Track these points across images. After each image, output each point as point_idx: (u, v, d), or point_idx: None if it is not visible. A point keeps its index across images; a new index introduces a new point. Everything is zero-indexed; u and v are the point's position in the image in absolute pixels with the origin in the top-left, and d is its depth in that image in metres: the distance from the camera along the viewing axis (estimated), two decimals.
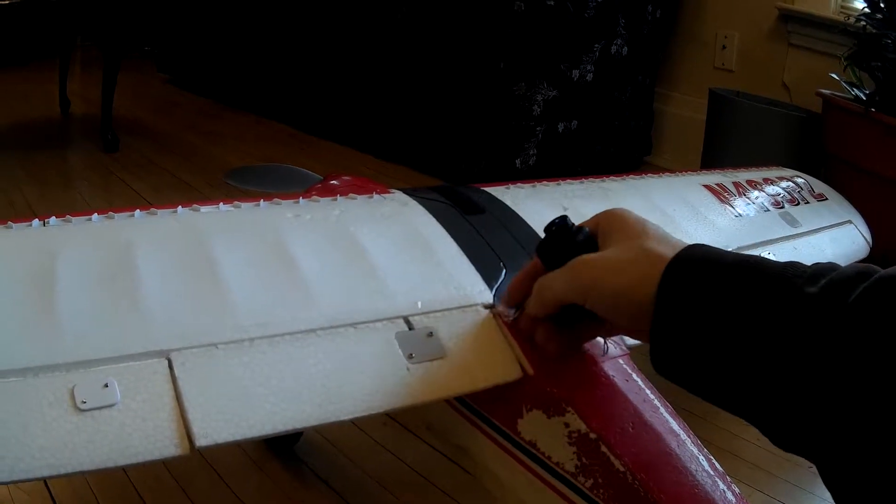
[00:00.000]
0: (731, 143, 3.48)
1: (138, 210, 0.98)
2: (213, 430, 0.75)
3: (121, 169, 3.54)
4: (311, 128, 4.27)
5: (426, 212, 1.12)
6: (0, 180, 3.33)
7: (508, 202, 1.22)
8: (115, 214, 0.96)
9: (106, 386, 0.74)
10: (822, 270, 0.72)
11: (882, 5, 2.89)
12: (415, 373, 0.88)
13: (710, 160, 3.62)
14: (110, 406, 0.73)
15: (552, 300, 0.88)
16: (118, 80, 3.85)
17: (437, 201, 1.16)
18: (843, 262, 1.76)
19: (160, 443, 0.73)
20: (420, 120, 3.66)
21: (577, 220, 0.97)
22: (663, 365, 0.81)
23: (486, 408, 0.98)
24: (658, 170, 4.07)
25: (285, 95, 4.49)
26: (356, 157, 3.91)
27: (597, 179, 1.50)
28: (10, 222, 0.92)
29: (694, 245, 0.83)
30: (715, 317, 0.74)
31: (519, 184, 1.34)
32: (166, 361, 0.79)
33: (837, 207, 2.08)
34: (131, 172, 3.49)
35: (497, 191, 1.26)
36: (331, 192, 1.47)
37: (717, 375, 0.75)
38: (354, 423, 1.58)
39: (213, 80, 5.15)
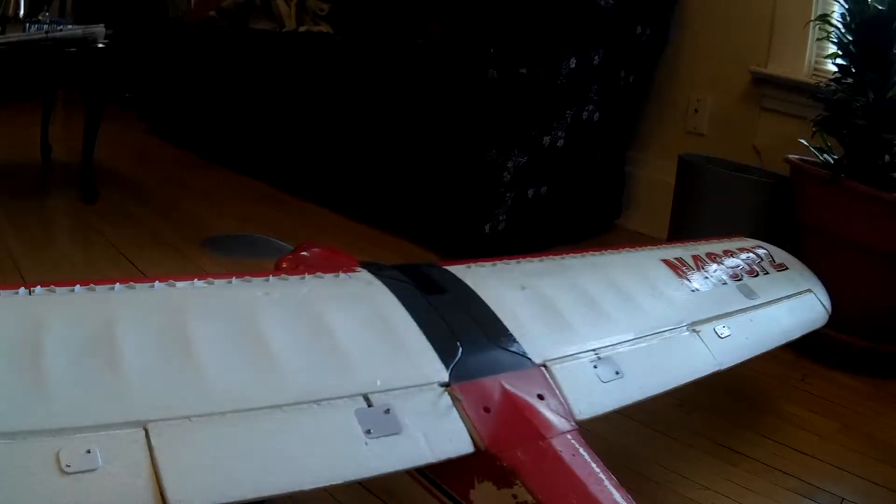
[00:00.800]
0: (700, 209, 3.53)
1: (118, 283, 1.05)
2: (186, 495, 0.82)
3: (100, 221, 3.57)
4: (289, 187, 4.32)
5: (389, 291, 1.19)
6: None
7: (469, 282, 1.30)
8: (97, 287, 1.03)
9: (89, 451, 0.82)
10: None
11: (853, 70, 2.97)
12: (372, 447, 0.95)
13: (678, 226, 3.68)
14: (93, 470, 0.81)
15: None
16: (100, 125, 3.90)
17: (400, 280, 1.23)
18: (801, 331, 1.86)
19: None
20: (394, 183, 3.71)
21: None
22: None
23: (442, 478, 1.06)
24: (629, 233, 4.14)
25: (264, 153, 4.55)
26: (332, 218, 3.95)
27: (556, 256, 1.58)
28: None
29: None
30: None
31: (480, 262, 1.42)
32: (143, 431, 0.86)
33: (797, 277, 2.15)
34: (110, 224, 3.52)
35: (458, 269, 1.34)
36: (301, 262, 1.56)
37: None
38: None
39: (192, 133, 5.22)
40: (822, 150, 3.09)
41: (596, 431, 2.07)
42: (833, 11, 3.16)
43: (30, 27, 3.68)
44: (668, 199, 3.75)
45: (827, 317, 2.14)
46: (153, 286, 1.07)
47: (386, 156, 3.75)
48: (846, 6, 2.93)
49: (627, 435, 2.19)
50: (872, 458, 2.27)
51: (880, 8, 2.84)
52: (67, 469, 0.80)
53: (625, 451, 2.11)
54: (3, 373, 0.87)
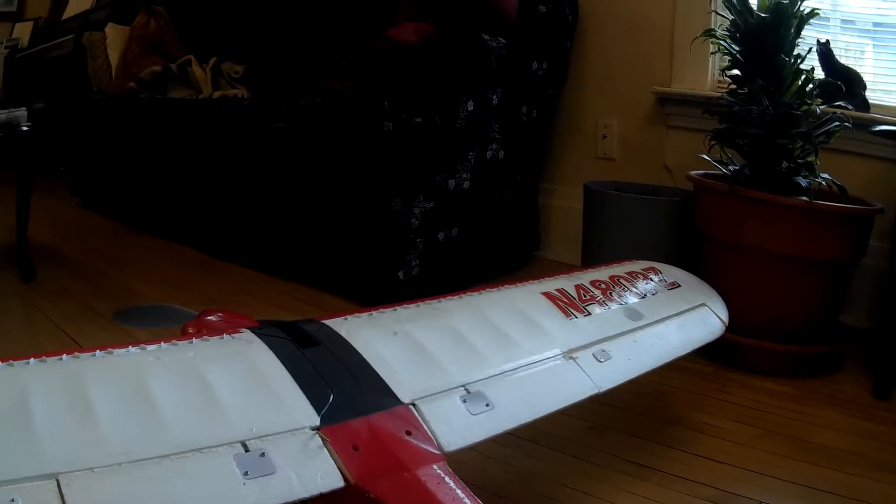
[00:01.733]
0: (607, 234, 3.64)
1: (32, 358, 1.19)
2: None
3: (38, 298, 3.67)
4: (213, 250, 4.43)
5: (267, 348, 1.34)
6: None
7: (343, 333, 1.43)
8: (15, 362, 1.18)
9: (13, 500, 0.95)
10: None
11: (744, 80, 3.09)
12: (250, 487, 1.09)
13: (589, 253, 3.80)
14: None
15: None
16: (32, 202, 3.99)
17: (278, 337, 1.37)
18: (693, 346, 1.97)
19: None
20: (309, 239, 3.81)
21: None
22: None
23: None
24: (548, 263, 4.22)
25: (188, 220, 4.67)
26: (255, 277, 4.06)
27: (432, 301, 1.71)
28: None
29: None
30: None
31: (357, 314, 1.56)
32: (55, 482, 1.00)
33: (690, 293, 2.26)
34: (48, 300, 3.62)
35: (335, 322, 1.48)
36: (204, 326, 1.71)
37: None
38: None
39: (122, 204, 5.31)
40: (723, 163, 3.19)
41: (502, 458, 2.19)
42: (721, 24, 3.25)
43: None
44: (581, 227, 3.86)
45: (723, 329, 2.22)
46: (62, 359, 1.21)
47: (299, 213, 3.86)
48: (731, 17, 3.05)
49: (537, 460, 2.28)
50: (794, 460, 2.35)
51: (763, 16, 2.95)
52: None
53: (534, 476, 2.20)
54: None
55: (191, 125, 4.53)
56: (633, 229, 3.53)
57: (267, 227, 4.07)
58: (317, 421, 1.22)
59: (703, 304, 2.23)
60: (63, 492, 0.99)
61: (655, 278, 2.24)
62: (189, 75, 5.25)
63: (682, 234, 3.45)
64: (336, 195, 3.65)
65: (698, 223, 3.26)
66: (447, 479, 1.21)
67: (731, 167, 3.17)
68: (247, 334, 1.39)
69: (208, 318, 1.80)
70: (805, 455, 2.39)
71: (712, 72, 3.94)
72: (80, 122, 5.72)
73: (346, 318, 1.51)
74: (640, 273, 2.23)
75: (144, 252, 4.60)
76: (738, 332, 2.83)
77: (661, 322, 2.02)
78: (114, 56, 5.87)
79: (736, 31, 3.05)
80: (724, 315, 2.26)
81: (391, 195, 3.41)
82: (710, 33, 3.20)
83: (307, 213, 3.81)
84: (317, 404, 1.24)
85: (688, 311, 2.17)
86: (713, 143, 3.17)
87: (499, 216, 4.03)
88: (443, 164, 3.52)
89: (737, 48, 3.07)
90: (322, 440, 1.19)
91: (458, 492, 1.19)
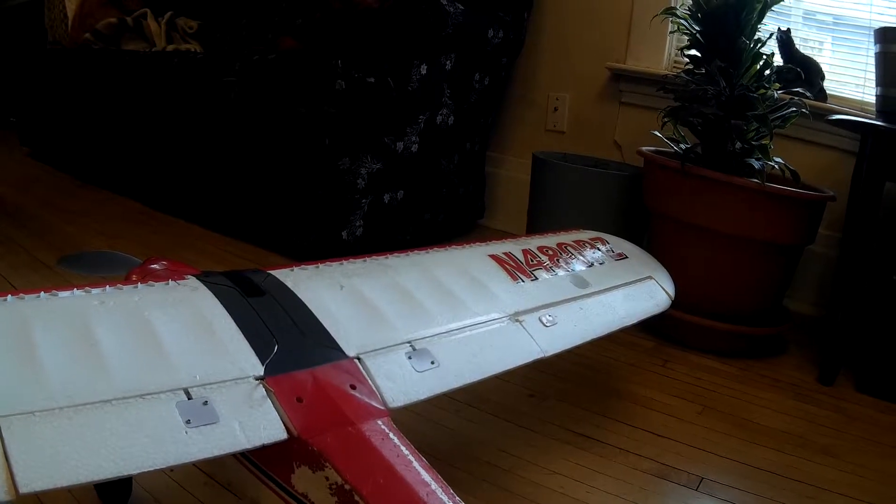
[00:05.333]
0: (553, 205, 3.64)
1: None
2: (32, 480, 0.94)
3: None
4: (160, 205, 4.39)
5: (212, 295, 1.32)
6: None
7: (289, 284, 1.42)
8: None
9: None
10: None
11: (703, 60, 3.09)
12: (192, 435, 1.07)
13: (534, 223, 3.81)
14: None
15: None
16: None
17: (223, 285, 1.36)
18: (639, 317, 1.97)
19: None
20: (255, 196, 3.79)
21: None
22: None
23: (267, 465, 1.19)
24: (492, 232, 4.23)
25: (136, 173, 4.63)
26: (199, 232, 4.02)
27: (380, 257, 1.69)
28: None
29: None
30: None
31: (304, 265, 1.54)
32: None
33: (637, 265, 2.26)
34: None
35: (281, 273, 1.46)
36: (148, 274, 1.68)
37: None
38: (176, 481, 1.75)
39: (72, 156, 5.27)
40: (675, 141, 3.20)
41: (441, 422, 2.18)
42: (682, 4, 3.25)
43: None
44: (526, 196, 3.88)
45: (669, 301, 2.22)
46: (6, 300, 1.18)
47: (247, 169, 3.84)
48: None
49: (476, 425, 2.28)
50: (735, 438, 2.37)
51: None
52: None
53: (472, 441, 2.20)
54: None
55: (143, 78, 4.49)
56: (580, 201, 3.54)
57: (214, 183, 4.04)
58: (261, 371, 1.20)
59: (650, 277, 2.23)
60: (3, 435, 0.96)
61: (603, 248, 2.24)
62: (144, 28, 5.21)
63: (628, 210, 3.47)
64: (284, 153, 3.63)
65: (646, 199, 3.27)
66: (391, 434, 1.19)
67: (682, 145, 3.17)
68: (192, 281, 1.37)
69: (152, 266, 1.78)
70: (746, 434, 2.41)
71: (669, 51, 3.95)
72: (34, 72, 5.67)
73: (292, 270, 1.50)
74: (588, 242, 2.23)
75: (91, 204, 4.57)
76: (682, 310, 2.85)
77: (607, 291, 2.02)
78: (70, 7, 5.81)
79: (698, 12, 3.04)
80: (671, 289, 2.26)
81: (339, 154, 3.39)
82: (670, 11, 3.20)
83: (254, 171, 3.79)
84: (261, 354, 1.22)
85: (634, 282, 2.17)
86: (666, 120, 3.17)
87: (445, 182, 4.03)
88: (392, 126, 3.51)
89: (697, 28, 3.06)
90: (266, 391, 1.17)
91: (402, 448, 1.18)
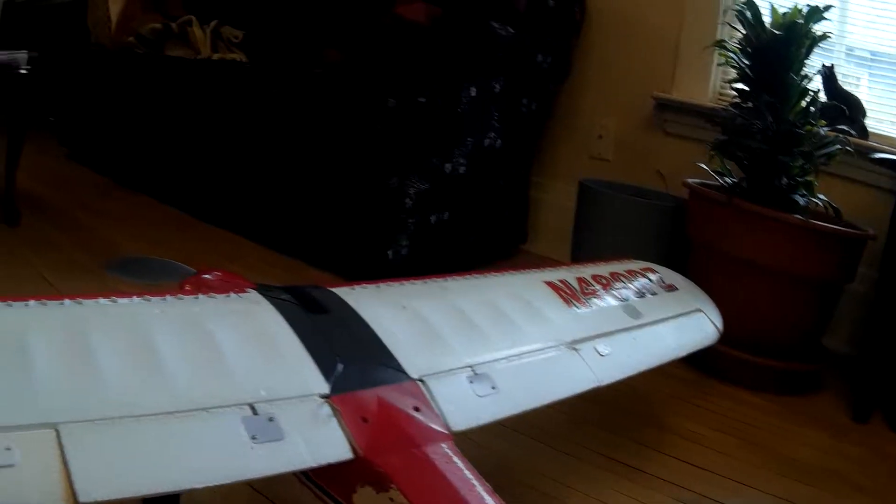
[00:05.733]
0: (599, 233, 3.62)
1: (32, 300, 1.14)
2: (92, 489, 0.91)
3: (21, 244, 3.61)
4: (200, 213, 4.33)
5: (275, 310, 1.29)
6: None
7: (351, 302, 1.39)
8: (13, 303, 1.13)
9: (9, 448, 0.90)
10: None
11: (751, 94, 3.05)
12: (257, 451, 1.05)
13: (579, 250, 3.77)
14: (11, 466, 0.89)
15: None
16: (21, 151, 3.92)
17: (286, 301, 1.33)
18: (689, 349, 1.95)
19: (51, 498, 0.90)
20: (299, 209, 3.75)
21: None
22: None
23: (328, 484, 1.16)
24: (534, 257, 4.20)
25: (177, 180, 4.57)
26: (240, 243, 3.97)
27: (438, 279, 1.67)
28: None
29: None
30: None
31: (364, 284, 1.51)
32: (55, 432, 0.95)
33: (687, 297, 2.23)
34: (31, 248, 3.55)
35: (343, 291, 1.43)
36: (202, 284, 1.66)
37: None
38: (222, 495, 1.73)
39: (111, 159, 5.23)
40: (721, 174, 3.16)
41: (486, 445, 2.16)
42: (732, 37, 3.23)
43: None
44: (571, 224, 3.84)
45: (718, 335, 2.20)
46: (63, 303, 1.16)
47: (291, 182, 3.80)
48: (744, 31, 3.03)
49: (520, 450, 2.26)
50: (773, 472, 2.35)
51: (777, 33, 2.93)
52: None
53: (519, 466, 2.18)
54: None
55: (188, 85, 4.47)
56: (624, 230, 3.51)
57: (257, 194, 4.00)
58: (326, 389, 1.18)
59: (699, 310, 2.21)
60: (62, 442, 0.94)
61: (654, 279, 2.21)
62: (189, 35, 5.20)
63: (670, 240, 3.42)
64: (331, 168, 3.59)
65: (689, 230, 3.23)
66: (455, 458, 1.17)
67: (727, 179, 3.14)
68: (253, 294, 1.35)
69: (205, 276, 1.76)
70: (783, 469, 2.39)
71: (713, 83, 3.91)
72: (75, 73, 5.66)
73: (353, 288, 1.47)
74: (639, 272, 2.21)
75: (130, 208, 4.55)
76: (722, 342, 2.81)
77: (659, 323, 2.00)
78: (114, 9, 5.80)
79: (747, 46, 3.02)
80: (720, 323, 2.24)
81: (388, 173, 3.36)
82: (721, 44, 3.18)
83: (299, 184, 3.75)
84: (326, 372, 1.20)
85: (684, 314, 2.15)
86: (713, 153, 3.14)
87: (490, 205, 3.99)
88: (441, 146, 3.48)
89: (746, 62, 3.04)
90: (331, 409, 1.15)
91: (466, 472, 1.16)
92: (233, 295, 1.33)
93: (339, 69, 3.71)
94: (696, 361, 3.03)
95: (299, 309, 1.31)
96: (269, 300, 1.33)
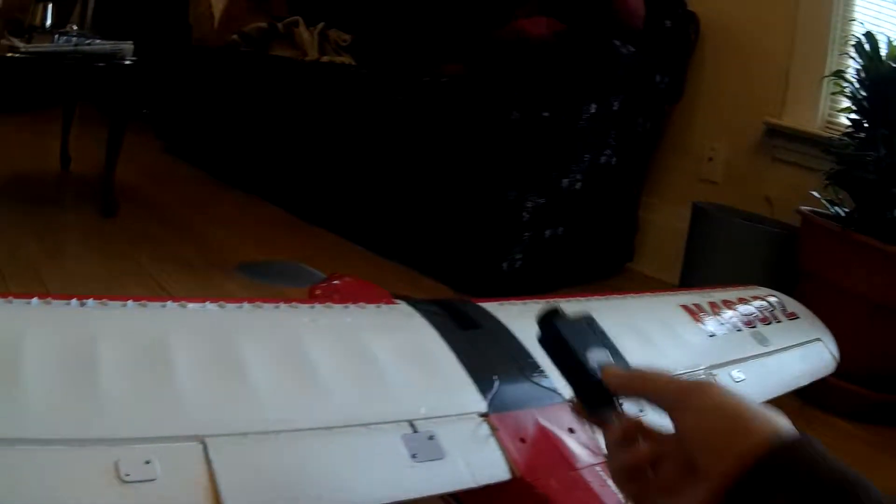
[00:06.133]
0: (712, 256, 3.57)
1: (170, 301, 1.09)
2: None
3: (119, 235, 3.61)
4: (304, 214, 4.34)
5: (428, 324, 1.24)
6: (3, 230, 3.44)
7: (501, 318, 1.34)
8: (149, 303, 1.07)
9: (148, 462, 0.85)
10: None
11: (865, 125, 3.01)
12: (418, 471, 1.00)
13: (690, 272, 3.72)
14: (152, 480, 0.84)
15: (641, 387, 0.91)
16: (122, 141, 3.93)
17: (437, 314, 1.28)
18: (810, 378, 1.89)
19: None
20: (411, 217, 3.74)
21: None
22: None
23: (475, 503, 1.11)
24: (641, 277, 4.15)
25: (281, 179, 4.58)
26: (346, 246, 3.94)
27: (581, 298, 1.63)
28: (49, 298, 1.01)
29: (801, 439, 0.78)
30: None
31: (511, 300, 1.47)
32: (202, 445, 0.89)
33: (808, 326, 2.17)
34: (129, 240, 3.56)
35: (491, 306, 1.39)
36: (334, 291, 1.62)
37: None
38: None
39: (209, 154, 5.25)
40: (832, 203, 3.11)
41: None
42: (848, 67, 3.18)
43: (58, 39, 3.72)
44: (678, 245, 3.80)
45: (835, 366, 2.14)
46: (204, 306, 1.11)
47: (404, 189, 3.78)
48: (861, 63, 2.98)
49: None
50: None
51: (894, 66, 2.88)
52: (126, 478, 0.82)
53: None
54: (60, 382, 0.90)
55: (297, 86, 4.46)
56: (736, 255, 3.46)
57: (368, 199, 3.99)
58: (484, 408, 1.13)
59: (819, 339, 2.15)
60: (210, 457, 0.88)
61: (777, 305, 2.16)
62: (295, 36, 5.20)
63: (778, 268, 3.35)
64: (447, 178, 3.58)
65: (800, 258, 3.16)
66: (609, 482, 1.12)
67: (836, 208, 3.10)
68: (404, 307, 1.31)
69: (336, 282, 1.73)
70: None
71: (823, 111, 3.84)
72: (176, 67, 5.68)
73: (501, 304, 1.43)
74: (763, 298, 2.16)
75: (230, 205, 4.55)
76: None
77: (784, 350, 1.94)
78: (217, 6, 5.82)
79: (865, 77, 2.96)
80: (836, 353, 2.17)
81: (507, 186, 3.34)
82: (839, 74, 3.13)
83: (412, 192, 3.73)
84: (483, 390, 1.15)
85: (806, 343, 2.08)
86: (828, 182, 3.09)
87: (602, 222, 3.97)
88: (560, 162, 3.46)
89: (863, 93, 2.98)
90: (490, 428, 1.10)
91: (621, 496, 1.11)
92: (383, 306, 1.29)
93: (462, 80, 3.68)
94: (802, 392, 2.97)
95: (452, 323, 1.27)
96: (420, 313, 1.28)
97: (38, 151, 4.98)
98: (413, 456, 1.01)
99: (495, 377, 1.18)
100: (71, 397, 0.89)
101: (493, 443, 1.09)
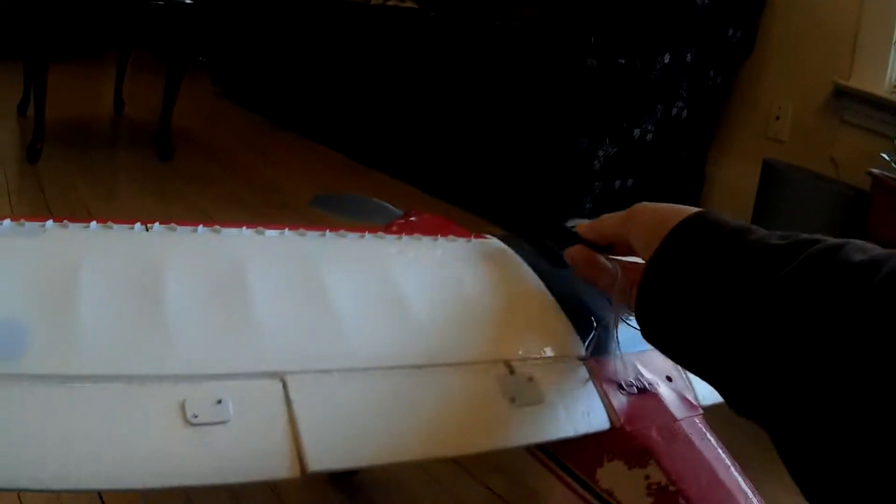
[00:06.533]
0: (780, 214, 3.48)
1: (245, 227, 0.99)
2: (325, 456, 0.77)
3: (176, 177, 3.59)
4: (364, 158, 4.30)
5: (522, 261, 1.15)
6: (55, 173, 3.38)
7: None
8: (222, 229, 0.97)
9: (219, 402, 0.76)
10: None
11: None
12: (516, 416, 0.90)
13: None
14: (223, 423, 0.75)
15: (602, 228, 1.01)
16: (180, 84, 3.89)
17: (530, 251, 1.20)
18: None
19: (271, 464, 0.75)
20: (479, 163, 3.68)
21: None
22: (644, 322, 0.88)
23: (565, 454, 1.02)
24: None
25: (341, 124, 4.52)
26: (409, 191, 3.91)
27: None
28: (110, 222, 0.92)
29: (708, 211, 0.88)
30: (690, 281, 0.80)
31: None
32: (281, 383, 0.80)
33: None
34: (186, 182, 3.53)
35: None
36: (414, 227, 1.52)
37: (682, 334, 0.82)
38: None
39: (267, 99, 5.21)
40: None
41: (734, 421, 2.06)
42: None
43: None
44: (744, 202, 3.72)
45: None
46: (283, 233, 1.01)
47: (472, 135, 3.71)
48: None
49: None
50: None
51: None
52: (194, 420, 0.74)
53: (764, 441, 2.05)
54: (122, 313, 0.81)
55: (360, 30, 4.42)
56: (806, 215, 3.37)
57: (433, 145, 3.94)
58: (582, 351, 1.03)
59: None
60: (290, 396, 0.79)
61: None
62: None
63: (848, 229, 3.25)
64: (519, 124, 3.52)
65: (870, 220, 3.10)
66: (708, 434, 1.04)
67: None
68: (494, 241, 1.21)
69: (413, 218, 1.65)
70: None
71: (891, 75, 3.75)
72: (234, 11, 5.62)
73: None
74: None
75: (287, 149, 4.52)
76: None
77: None
78: None
79: None
80: None
81: (580, 134, 3.28)
82: None
83: (480, 137, 3.68)
84: (582, 332, 1.05)
85: None
86: None
87: (671, 175, 3.90)
88: (632, 111, 3.40)
89: None
90: (589, 373, 1.01)
91: (720, 450, 1.02)
92: (473, 240, 1.20)
93: (536, 24, 3.61)
94: None
95: (545, 261, 1.18)
96: (512, 248, 1.19)
97: (92, 98, 4.96)
98: (511, 400, 0.92)
99: (592, 319, 1.09)
100: (133, 330, 0.80)
101: (591, 389, 1.00)
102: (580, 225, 1.05)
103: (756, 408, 0.75)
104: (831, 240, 0.75)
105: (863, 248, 0.73)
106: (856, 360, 0.62)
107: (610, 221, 1.00)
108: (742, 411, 0.78)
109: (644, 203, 0.96)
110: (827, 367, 0.64)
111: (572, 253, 1.04)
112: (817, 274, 0.70)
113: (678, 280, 0.82)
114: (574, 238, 1.04)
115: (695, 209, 0.88)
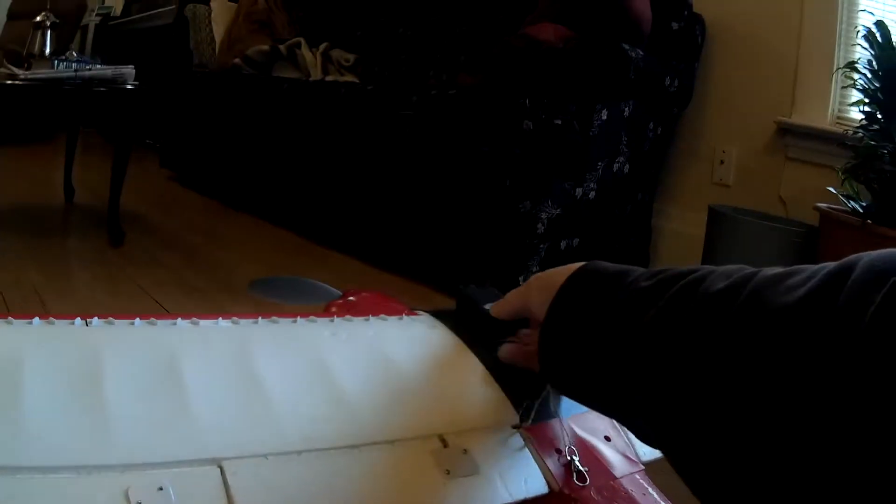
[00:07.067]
0: (730, 260, 3.47)
1: (180, 318, 1.01)
2: None
3: (126, 264, 3.60)
4: (313, 235, 4.33)
5: (453, 335, 1.18)
6: (6, 261, 3.40)
7: None
8: (158, 321, 1.00)
9: (161, 489, 0.78)
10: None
11: (879, 117, 2.97)
12: (452, 488, 0.93)
13: None
14: None
15: (508, 305, 1.12)
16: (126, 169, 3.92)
17: (462, 325, 1.22)
18: None
19: None
20: (424, 233, 3.71)
21: None
22: (546, 371, 0.99)
23: None
24: None
25: (288, 202, 4.57)
26: (357, 266, 3.94)
27: None
28: (52, 318, 0.94)
29: (592, 262, 0.95)
30: (578, 331, 0.88)
31: None
32: (219, 469, 0.83)
33: None
34: (136, 267, 3.55)
35: None
36: (352, 307, 1.55)
37: (577, 379, 0.93)
38: None
39: (216, 180, 5.27)
40: (849, 198, 3.10)
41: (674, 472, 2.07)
42: (859, 59, 3.16)
43: (58, 65, 3.71)
44: (693, 250, 3.78)
45: None
46: (217, 322, 1.04)
47: (417, 206, 3.76)
48: (873, 53, 2.95)
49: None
50: None
51: None
52: None
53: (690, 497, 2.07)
54: (65, 406, 0.83)
55: (302, 107, 4.47)
56: (756, 257, 3.36)
57: (377, 218, 3.99)
58: (516, 419, 1.06)
59: None
60: (228, 481, 0.82)
61: None
62: (298, 58, 5.22)
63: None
64: (459, 192, 3.56)
65: (820, 255, 3.12)
66: (650, 489, 1.07)
67: (853, 203, 3.10)
68: (427, 318, 1.24)
69: (351, 298, 1.67)
70: None
71: (833, 106, 3.82)
72: (178, 94, 5.68)
73: None
74: None
75: (238, 230, 4.57)
76: None
77: None
78: (218, 31, 5.85)
79: (878, 68, 2.93)
80: None
81: (521, 197, 3.31)
82: (851, 66, 3.11)
83: (424, 207, 3.72)
84: (514, 401, 1.09)
85: None
86: (845, 176, 3.09)
87: (617, 231, 3.94)
88: (573, 170, 3.42)
89: (876, 84, 2.95)
90: (524, 440, 1.04)
91: (662, 503, 1.05)
92: (405, 318, 1.23)
93: (471, 91, 3.65)
94: None
95: (476, 333, 1.21)
96: (444, 323, 1.22)
97: (41, 183, 5.00)
98: (446, 472, 0.95)
99: (525, 386, 1.12)
100: (76, 422, 0.82)
101: (526, 455, 1.03)
102: (493, 306, 1.15)
103: (647, 437, 0.85)
104: (702, 269, 0.78)
105: (728, 274, 0.75)
106: (722, 392, 0.65)
107: (514, 297, 1.10)
108: (643, 440, 0.88)
109: (539, 273, 1.04)
110: (696, 404, 0.68)
111: (503, 354, 1.12)
112: (677, 314, 0.73)
113: (568, 331, 0.90)
114: (489, 319, 1.13)
115: (581, 263, 0.95)
